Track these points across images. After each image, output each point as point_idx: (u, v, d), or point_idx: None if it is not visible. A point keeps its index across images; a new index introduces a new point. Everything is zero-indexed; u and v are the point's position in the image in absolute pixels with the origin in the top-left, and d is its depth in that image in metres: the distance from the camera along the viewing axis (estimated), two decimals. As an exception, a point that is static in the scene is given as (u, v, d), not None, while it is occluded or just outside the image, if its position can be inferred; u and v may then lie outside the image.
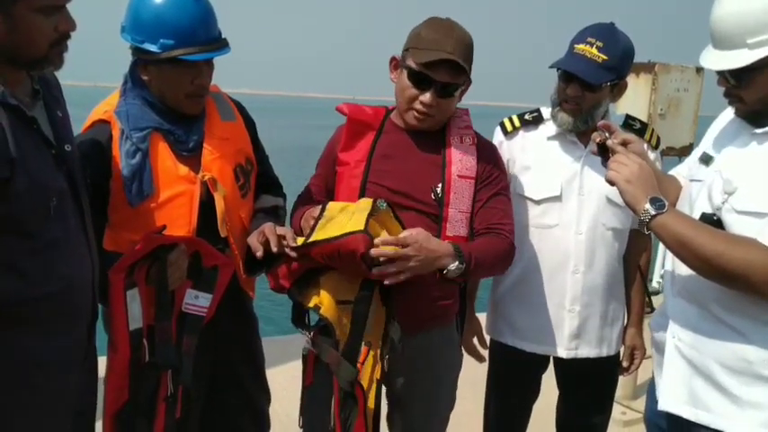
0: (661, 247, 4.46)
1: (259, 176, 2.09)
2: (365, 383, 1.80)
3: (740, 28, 1.45)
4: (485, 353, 2.34)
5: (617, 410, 3.33)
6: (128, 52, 1.87)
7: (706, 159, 1.66)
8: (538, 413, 2.40)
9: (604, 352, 2.21)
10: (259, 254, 1.79)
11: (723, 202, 1.52)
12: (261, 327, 2.20)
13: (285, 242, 1.78)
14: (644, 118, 3.38)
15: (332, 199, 1.96)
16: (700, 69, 3.73)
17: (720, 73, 1.54)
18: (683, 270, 1.59)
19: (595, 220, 2.13)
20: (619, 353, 2.29)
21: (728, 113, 1.69)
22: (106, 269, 1.67)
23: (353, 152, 1.95)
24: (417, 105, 1.86)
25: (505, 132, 2.25)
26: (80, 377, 1.63)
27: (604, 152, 1.66)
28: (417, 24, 1.90)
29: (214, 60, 1.88)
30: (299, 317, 1.89)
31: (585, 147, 2.12)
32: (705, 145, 1.73)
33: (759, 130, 1.53)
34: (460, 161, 1.92)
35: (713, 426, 1.55)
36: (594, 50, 1.97)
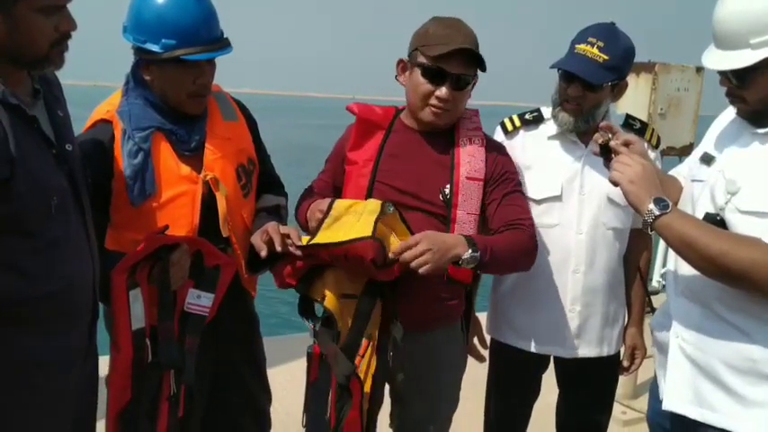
0: (660, 246, 4.47)
1: (261, 176, 2.09)
2: (362, 375, 1.81)
3: (743, 28, 1.45)
4: (485, 353, 2.34)
5: (617, 410, 3.33)
6: (128, 52, 1.87)
7: (707, 159, 1.66)
8: (538, 413, 2.40)
9: (605, 351, 2.21)
10: (263, 253, 1.80)
11: (726, 203, 1.52)
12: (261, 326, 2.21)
13: (289, 241, 1.78)
14: (644, 117, 3.39)
15: (339, 197, 1.97)
16: (700, 69, 3.74)
17: (723, 73, 1.54)
18: (686, 270, 1.59)
19: (596, 219, 2.13)
20: (619, 352, 2.29)
21: (729, 113, 1.70)
22: (108, 269, 1.67)
23: (362, 151, 1.96)
24: (433, 101, 1.87)
25: (506, 132, 2.25)
26: (80, 377, 1.63)
27: (607, 153, 1.66)
28: (420, 26, 1.92)
29: (216, 60, 1.88)
30: (306, 307, 1.90)
31: (586, 146, 2.13)
32: (706, 145, 1.73)
33: (761, 130, 1.54)
34: (469, 163, 1.92)
35: (719, 425, 1.55)
36: (596, 50, 1.97)
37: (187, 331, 1.80)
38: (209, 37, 1.81)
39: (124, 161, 1.79)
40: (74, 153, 1.59)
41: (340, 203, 1.82)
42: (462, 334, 2.09)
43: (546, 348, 2.20)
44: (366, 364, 1.82)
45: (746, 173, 1.52)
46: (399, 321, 1.82)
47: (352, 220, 1.75)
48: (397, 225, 1.79)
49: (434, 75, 1.84)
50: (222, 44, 1.85)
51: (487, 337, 2.34)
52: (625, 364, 2.29)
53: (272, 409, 2.24)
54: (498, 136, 2.25)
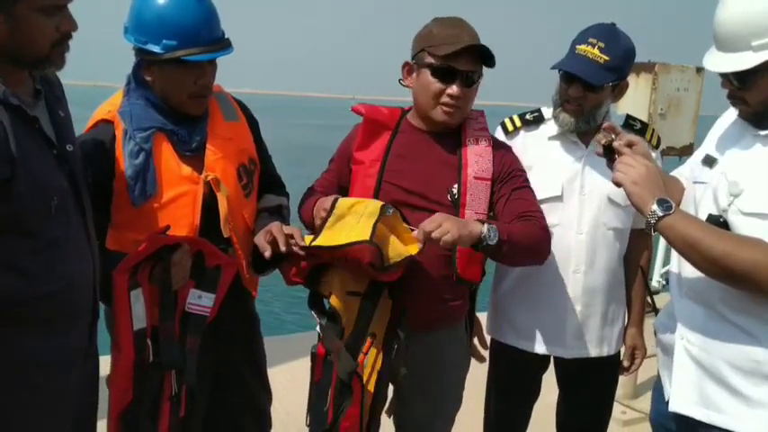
0: (660, 247, 4.47)
1: (262, 175, 2.09)
2: (367, 373, 1.82)
3: (744, 30, 1.45)
4: (485, 353, 2.34)
5: (617, 410, 3.33)
6: (128, 52, 1.87)
7: (709, 161, 1.66)
8: (538, 413, 2.40)
9: (605, 351, 2.21)
10: (267, 253, 1.80)
11: (729, 204, 1.52)
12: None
13: (293, 241, 1.79)
14: (644, 118, 3.39)
15: (344, 194, 1.98)
16: (700, 69, 3.74)
17: (724, 75, 1.54)
18: (690, 271, 1.59)
19: (596, 219, 2.13)
20: (619, 352, 2.29)
21: (730, 115, 1.69)
22: (109, 269, 1.67)
23: (369, 151, 1.97)
24: (445, 99, 1.88)
25: (506, 132, 2.25)
26: (80, 377, 1.63)
27: (610, 154, 1.67)
28: (422, 28, 1.93)
29: (217, 60, 1.88)
30: (315, 301, 1.91)
31: (587, 147, 2.13)
32: (708, 147, 1.72)
33: (763, 132, 1.53)
34: (477, 162, 1.93)
35: (724, 426, 1.56)
36: (596, 51, 1.98)
37: (188, 331, 1.80)
38: (210, 37, 1.81)
39: (125, 161, 1.80)
40: (75, 153, 1.59)
41: (343, 202, 1.83)
42: (465, 334, 2.10)
43: (546, 348, 2.20)
44: (371, 361, 1.83)
45: (749, 175, 1.52)
46: (407, 320, 1.83)
47: (352, 222, 1.76)
48: (399, 225, 1.80)
49: (445, 73, 1.86)
50: (223, 44, 1.85)
51: (487, 338, 2.34)
52: (625, 364, 2.29)
53: (272, 409, 2.24)
54: (498, 136, 2.25)
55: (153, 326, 1.74)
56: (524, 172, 2.04)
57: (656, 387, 1.82)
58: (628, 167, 1.56)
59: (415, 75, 1.94)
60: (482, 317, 2.36)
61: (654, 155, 2.17)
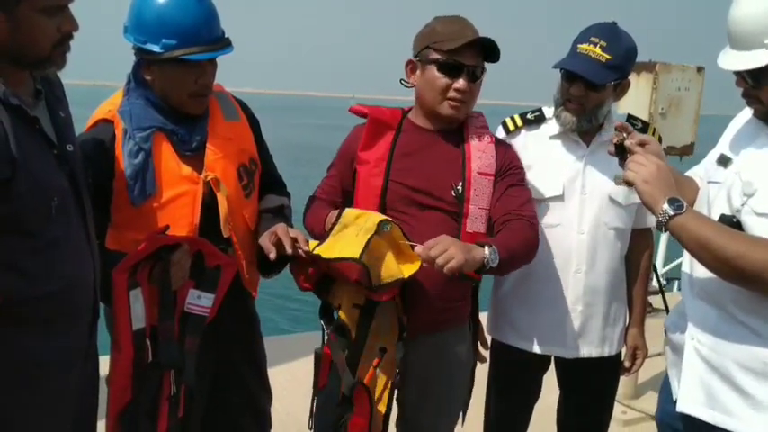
0: (661, 247, 4.47)
1: (263, 176, 2.09)
2: (380, 388, 1.84)
3: (757, 28, 1.44)
4: (486, 353, 2.33)
5: (618, 410, 3.33)
6: (129, 52, 1.87)
7: (724, 161, 1.65)
8: (538, 413, 2.40)
9: (606, 352, 2.21)
10: (272, 255, 1.82)
11: (743, 205, 1.51)
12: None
13: (297, 244, 1.81)
14: (645, 117, 3.39)
15: (348, 197, 2.01)
16: (700, 69, 3.74)
17: (738, 74, 1.53)
18: (701, 272, 1.58)
19: (597, 219, 2.12)
20: (620, 353, 2.29)
21: (745, 114, 1.68)
22: (109, 268, 1.67)
23: (373, 151, 1.98)
24: (452, 93, 1.90)
25: (507, 131, 2.24)
26: (80, 377, 1.62)
27: (622, 153, 1.67)
28: (423, 26, 1.94)
29: (217, 60, 1.88)
30: (326, 311, 1.92)
31: (588, 146, 2.13)
32: (722, 146, 1.71)
33: None
34: (480, 158, 1.95)
35: (731, 428, 1.55)
36: (598, 50, 1.97)
37: (187, 331, 1.80)
38: (209, 37, 1.81)
39: (125, 161, 1.79)
40: (75, 154, 1.59)
41: (350, 212, 1.85)
42: (470, 334, 2.10)
43: (547, 349, 2.20)
44: (384, 376, 1.86)
45: (763, 175, 1.50)
46: (405, 334, 1.86)
47: (351, 234, 1.78)
48: (400, 239, 1.80)
49: (451, 68, 1.88)
50: (223, 44, 1.85)
51: (488, 338, 2.34)
52: (627, 364, 2.28)
53: (272, 409, 2.24)
54: (499, 135, 2.25)
55: (152, 326, 1.73)
56: (522, 170, 2.05)
57: (664, 387, 1.81)
58: (639, 166, 1.55)
59: (419, 72, 1.95)
60: (482, 317, 2.35)
61: (656, 154, 2.17)
